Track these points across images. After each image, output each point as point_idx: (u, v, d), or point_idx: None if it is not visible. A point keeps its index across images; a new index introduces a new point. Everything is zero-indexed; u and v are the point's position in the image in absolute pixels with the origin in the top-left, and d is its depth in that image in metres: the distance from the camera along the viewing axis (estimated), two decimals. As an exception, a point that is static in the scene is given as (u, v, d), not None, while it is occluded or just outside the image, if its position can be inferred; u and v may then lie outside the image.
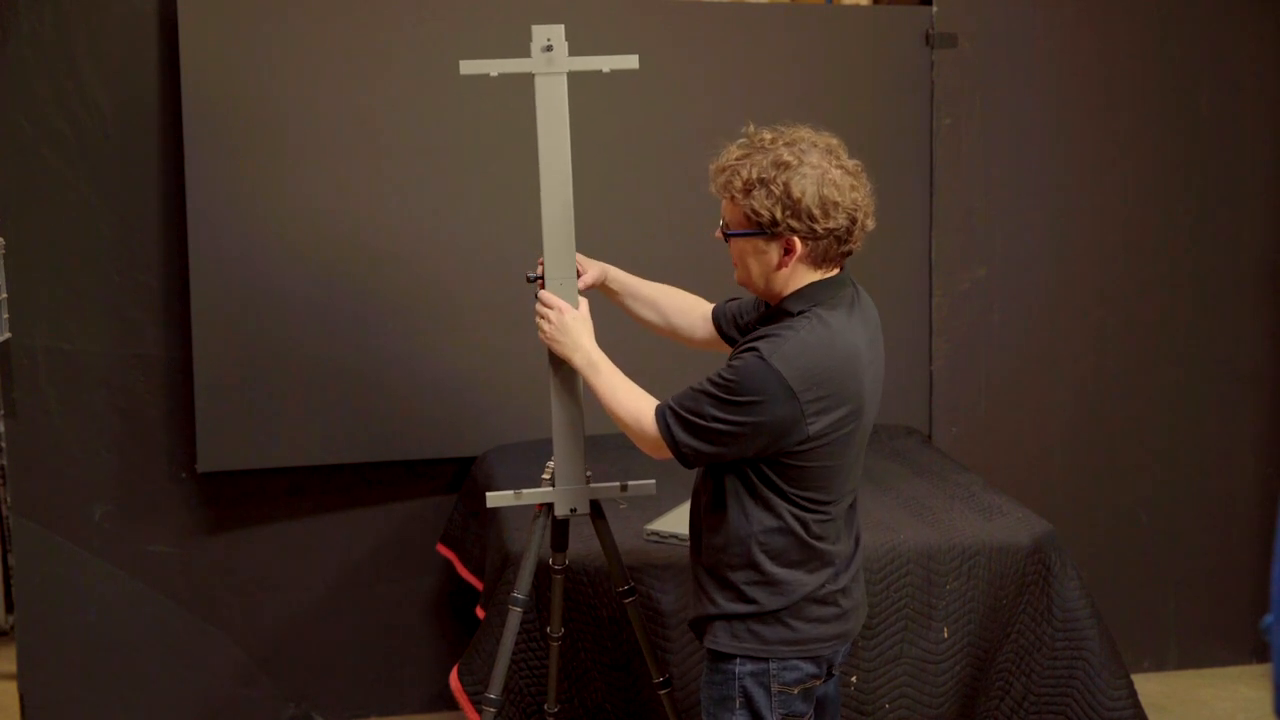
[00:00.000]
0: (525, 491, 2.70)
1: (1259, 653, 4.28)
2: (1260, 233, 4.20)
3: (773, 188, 2.20)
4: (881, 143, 3.90)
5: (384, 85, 3.65)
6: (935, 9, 3.92)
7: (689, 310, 2.70)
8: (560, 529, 2.76)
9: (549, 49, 2.54)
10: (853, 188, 2.25)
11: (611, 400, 2.43)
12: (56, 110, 3.53)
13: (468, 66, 2.55)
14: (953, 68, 3.96)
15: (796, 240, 2.23)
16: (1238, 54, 4.11)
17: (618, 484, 2.70)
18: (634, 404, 2.39)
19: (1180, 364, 4.20)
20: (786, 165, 2.21)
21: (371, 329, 3.70)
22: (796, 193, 2.20)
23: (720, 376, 2.25)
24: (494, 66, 2.55)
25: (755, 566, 2.30)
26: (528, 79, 2.56)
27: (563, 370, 2.62)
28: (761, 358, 2.21)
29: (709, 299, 4.13)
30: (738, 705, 2.33)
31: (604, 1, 3.78)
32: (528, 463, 3.46)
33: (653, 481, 2.73)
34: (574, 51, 2.57)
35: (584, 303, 2.60)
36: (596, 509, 2.70)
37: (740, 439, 2.24)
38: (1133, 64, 4.07)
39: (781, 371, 2.19)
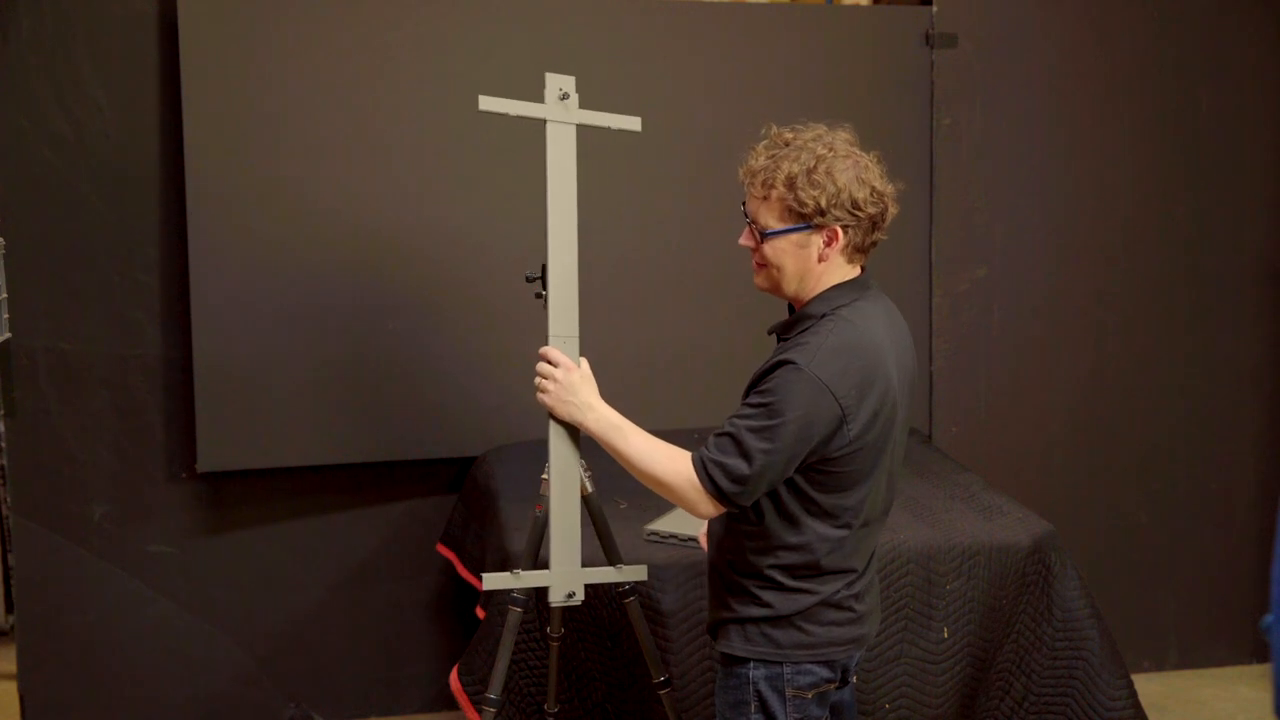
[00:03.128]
0: (523, 573, 2.57)
1: (1259, 653, 4.28)
2: (1260, 233, 4.20)
3: (816, 177, 2.20)
4: (881, 143, 3.88)
5: (384, 85, 3.65)
6: (935, 9, 3.92)
7: None
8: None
9: (565, 97, 2.51)
10: (880, 175, 2.27)
11: (647, 464, 2.26)
12: (56, 110, 3.53)
13: (487, 103, 2.49)
14: (953, 68, 3.96)
15: (839, 229, 2.23)
16: (1238, 54, 4.12)
17: (613, 567, 2.62)
18: (675, 465, 2.24)
19: (1180, 364, 4.20)
20: (824, 157, 2.22)
21: (371, 329, 3.70)
22: (841, 181, 2.21)
23: (757, 403, 2.19)
24: (512, 107, 2.50)
25: (770, 577, 2.28)
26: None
27: (562, 443, 2.46)
28: (799, 367, 2.17)
29: (713, 297, 4.12)
30: (753, 710, 2.31)
31: (604, 2, 3.78)
32: (527, 463, 3.46)
33: (644, 566, 2.65)
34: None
35: (584, 361, 2.45)
36: (596, 510, 2.70)
37: (792, 459, 2.18)
38: (1133, 64, 4.07)
39: (820, 376, 2.16)
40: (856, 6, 4.06)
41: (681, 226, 3.85)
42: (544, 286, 2.57)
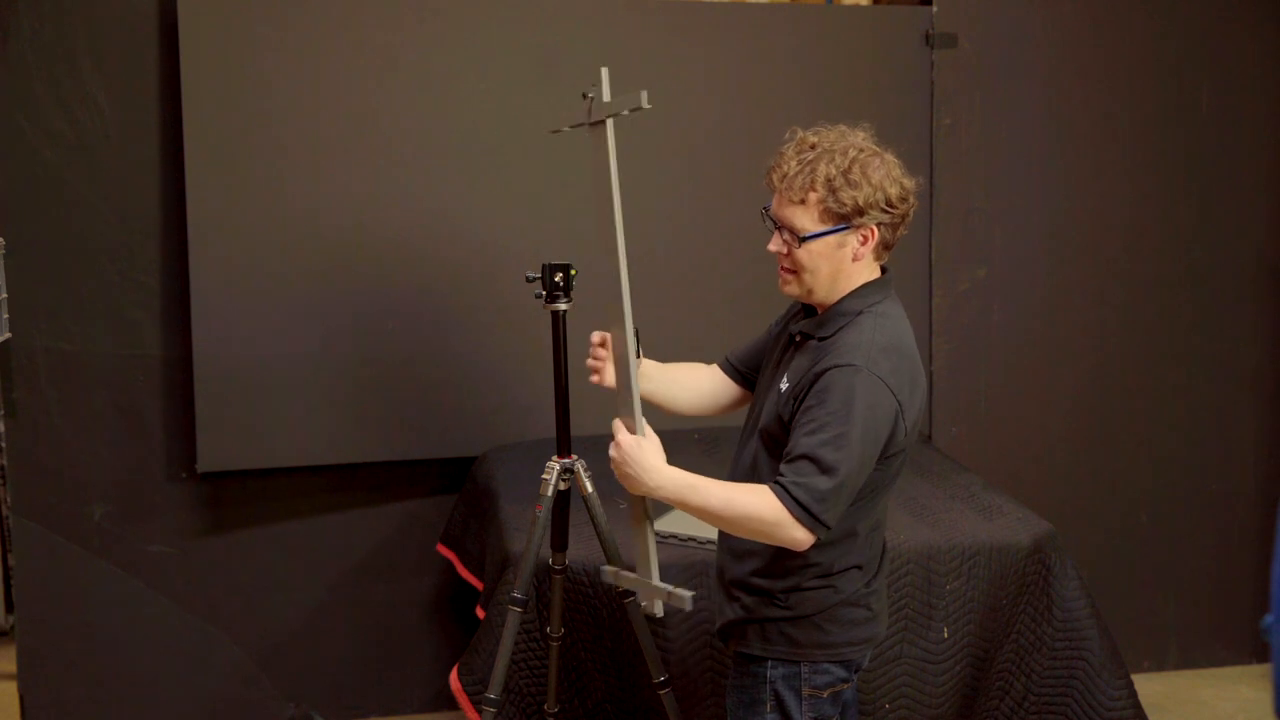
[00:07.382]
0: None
1: (1259, 653, 4.28)
2: (1260, 233, 4.20)
3: (853, 177, 2.20)
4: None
5: (384, 85, 3.65)
6: (935, 9, 3.92)
7: (709, 376, 2.57)
8: (560, 529, 2.76)
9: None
10: (904, 171, 2.28)
11: (732, 508, 2.17)
12: (56, 110, 3.53)
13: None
14: (953, 68, 3.96)
15: (874, 227, 2.23)
16: (1238, 54, 4.12)
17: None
18: (760, 497, 2.16)
19: (1180, 364, 4.20)
20: (857, 158, 2.22)
21: (371, 329, 3.70)
22: (875, 179, 2.21)
23: (822, 415, 2.15)
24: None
25: (793, 578, 2.29)
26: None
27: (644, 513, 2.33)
28: (858, 369, 2.16)
29: (715, 296, 4.12)
30: (769, 709, 2.31)
31: (605, 2, 3.78)
32: (527, 463, 3.46)
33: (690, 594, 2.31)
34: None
35: (649, 432, 2.31)
36: (596, 510, 2.69)
37: (865, 461, 2.16)
38: (1133, 64, 4.07)
39: (878, 374, 2.17)
40: (856, 6, 4.06)
41: (681, 226, 3.84)
42: (546, 289, 2.55)
